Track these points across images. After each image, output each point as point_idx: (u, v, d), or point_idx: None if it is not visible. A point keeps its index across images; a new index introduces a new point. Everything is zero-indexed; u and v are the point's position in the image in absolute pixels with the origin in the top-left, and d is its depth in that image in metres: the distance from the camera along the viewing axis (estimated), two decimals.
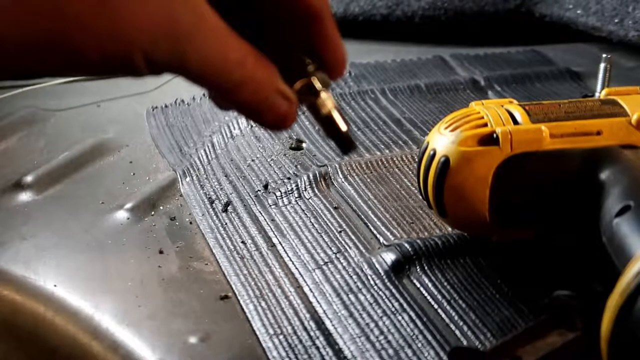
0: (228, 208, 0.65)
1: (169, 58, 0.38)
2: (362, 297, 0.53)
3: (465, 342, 0.49)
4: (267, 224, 0.62)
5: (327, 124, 0.45)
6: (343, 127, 0.45)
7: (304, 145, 0.74)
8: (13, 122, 0.80)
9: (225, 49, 0.40)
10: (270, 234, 0.61)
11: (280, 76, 0.42)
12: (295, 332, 0.51)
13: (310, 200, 0.65)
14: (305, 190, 0.66)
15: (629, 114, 0.55)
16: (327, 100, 0.44)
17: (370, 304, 0.53)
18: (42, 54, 0.36)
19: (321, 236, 0.60)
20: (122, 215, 0.65)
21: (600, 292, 0.44)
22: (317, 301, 0.54)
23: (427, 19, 1.01)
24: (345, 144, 0.45)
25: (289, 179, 0.68)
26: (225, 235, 0.62)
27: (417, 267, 0.55)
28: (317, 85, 0.43)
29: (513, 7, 1.02)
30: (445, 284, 0.54)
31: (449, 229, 0.59)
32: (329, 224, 0.62)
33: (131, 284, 0.56)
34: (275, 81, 0.42)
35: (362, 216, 0.62)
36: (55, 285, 0.56)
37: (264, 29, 0.43)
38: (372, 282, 0.55)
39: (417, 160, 0.57)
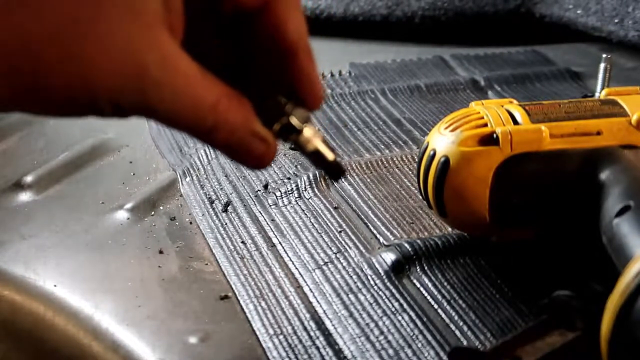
0: (228, 208, 0.65)
1: (136, 104, 0.37)
2: (362, 297, 0.53)
3: (465, 342, 0.49)
4: (267, 224, 0.62)
5: (314, 158, 0.44)
6: (330, 157, 0.44)
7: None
8: (13, 122, 0.80)
9: (196, 93, 0.38)
10: (270, 234, 0.61)
11: (256, 118, 0.41)
12: (295, 332, 0.51)
13: (310, 200, 0.65)
14: (305, 190, 0.66)
15: (629, 114, 0.55)
16: (310, 135, 0.44)
17: (370, 304, 0.53)
18: (9, 91, 0.35)
19: (321, 236, 0.60)
20: (122, 215, 0.65)
21: (600, 292, 0.44)
22: (317, 301, 0.54)
23: (427, 19, 1.01)
24: (335, 172, 0.45)
25: (289, 179, 0.68)
26: (225, 235, 0.62)
27: (417, 267, 0.55)
28: (296, 123, 0.43)
29: (513, 7, 1.02)
30: (445, 284, 0.54)
31: (449, 229, 0.59)
32: (329, 224, 0.62)
33: (131, 284, 0.56)
34: (251, 123, 0.41)
35: (362, 216, 0.62)
36: (55, 285, 0.56)
37: (241, 68, 0.42)
38: (372, 282, 0.55)
39: (417, 160, 0.57)
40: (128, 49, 0.36)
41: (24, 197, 0.68)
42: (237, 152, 0.41)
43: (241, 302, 0.54)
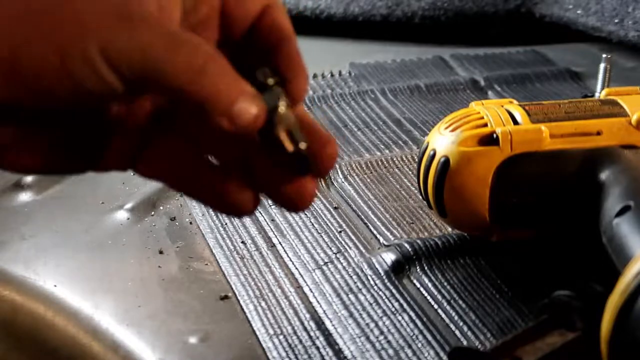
0: None
1: (129, 51, 0.36)
2: (362, 297, 0.53)
3: (465, 342, 0.49)
4: (267, 224, 0.62)
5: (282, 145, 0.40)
6: (302, 145, 0.40)
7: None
8: None
9: (193, 40, 0.37)
10: (270, 234, 0.61)
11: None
12: (295, 332, 0.51)
13: None
14: None
15: (629, 114, 0.55)
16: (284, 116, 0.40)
17: (370, 304, 0.53)
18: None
19: (321, 236, 0.60)
20: (122, 215, 0.65)
21: (600, 292, 0.44)
22: (317, 301, 0.54)
23: (427, 19, 1.01)
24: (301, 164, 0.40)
25: None
26: (225, 235, 0.62)
27: (417, 267, 0.55)
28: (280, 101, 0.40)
29: (513, 7, 1.02)
30: (445, 284, 0.54)
31: (449, 229, 0.59)
32: (329, 224, 0.62)
33: (131, 284, 0.56)
34: (239, 82, 0.38)
35: (362, 216, 0.62)
36: (55, 285, 0.56)
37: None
38: (372, 282, 0.55)
39: (417, 160, 0.57)
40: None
41: (24, 197, 0.68)
42: (231, 112, 0.38)
43: (241, 302, 0.54)
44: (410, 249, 0.56)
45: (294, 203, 0.41)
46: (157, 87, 0.37)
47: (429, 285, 0.54)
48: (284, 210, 0.41)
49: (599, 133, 0.54)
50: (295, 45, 0.43)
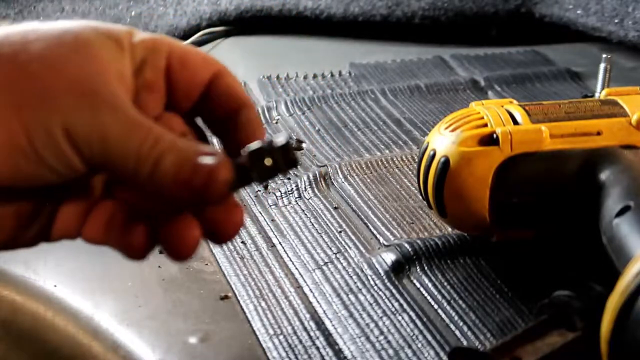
0: None
1: (90, 133, 0.36)
2: (362, 298, 0.53)
3: (465, 342, 0.49)
4: (267, 224, 0.62)
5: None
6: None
7: (304, 145, 0.74)
8: None
9: (144, 124, 0.38)
10: (270, 234, 0.61)
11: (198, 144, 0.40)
12: (295, 333, 0.51)
13: (310, 200, 0.65)
14: (305, 190, 0.66)
15: (629, 114, 0.55)
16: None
17: (370, 304, 0.53)
18: None
19: (321, 236, 0.60)
20: None
21: (600, 292, 0.44)
22: (317, 301, 0.54)
23: (427, 19, 1.01)
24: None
25: (289, 179, 0.68)
26: None
27: (417, 268, 0.55)
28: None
29: (513, 7, 1.02)
30: (445, 284, 0.54)
31: (449, 229, 0.59)
32: (329, 224, 0.62)
33: (131, 284, 0.56)
34: (197, 146, 0.39)
35: (362, 216, 0.62)
36: (55, 286, 0.56)
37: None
38: (372, 283, 0.55)
39: (417, 160, 0.57)
40: (80, 73, 0.37)
41: None
42: (186, 178, 0.38)
43: (241, 302, 0.54)
44: (410, 249, 0.56)
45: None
46: (116, 171, 0.38)
47: (429, 285, 0.54)
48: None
49: (599, 133, 0.54)
50: (254, 113, 0.44)
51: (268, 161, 0.41)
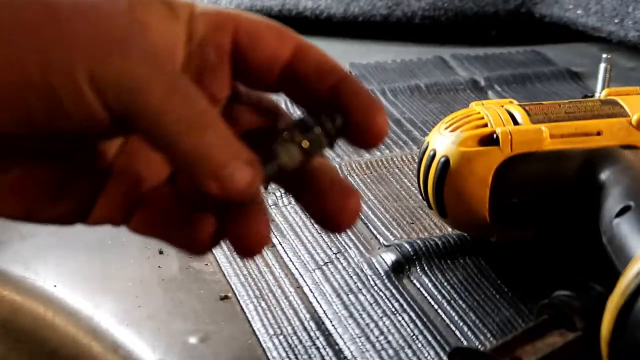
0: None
1: (120, 81, 0.32)
2: (362, 298, 0.53)
3: (465, 342, 0.49)
4: None
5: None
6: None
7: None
8: None
9: (189, 87, 0.34)
10: (270, 234, 0.61)
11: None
12: (295, 333, 0.51)
13: None
14: None
15: (629, 114, 0.55)
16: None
17: (370, 304, 0.53)
18: None
19: (321, 236, 0.60)
20: None
21: (600, 292, 0.44)
22: (317, 301, 0.54)
23: (427, 19, 1.01)
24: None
25: None
26: None
27: (417, 268, 0.55)
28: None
29: (513, 7, 1.02)
30: (445, 284, 0.54)
31: (449, 229, 0.59)
32: None
33: (131, 284, 0.56)
34: (238, 146, 0.35)
35: (362, 216, 0.62)
36: (55, 286, 0.56)
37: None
38: (372, 283, 0.55)
39: (417, 160, 0.57)
40: (117, 24, 0.33)
41: None
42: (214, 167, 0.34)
43: (241, 302, 0.54)
44: (410, 249, 0.56)
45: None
46: (142, 129, 0.33)
47: (429, 285, 0.54)
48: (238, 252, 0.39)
49: (599, 133, 0.54)
50: (355, 83, 0.38)
51: (317, 130, 0.36)
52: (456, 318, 0.51)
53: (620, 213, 0.48)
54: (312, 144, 0.36)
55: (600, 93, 0.60)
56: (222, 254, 0.59)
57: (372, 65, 0.91)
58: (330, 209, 0.38)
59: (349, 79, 0.38)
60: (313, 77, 0.38)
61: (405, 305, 0.52)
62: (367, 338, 0.50)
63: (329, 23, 1.02)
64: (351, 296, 0.54)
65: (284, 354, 0.49)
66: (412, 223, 0.61)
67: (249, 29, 0.37)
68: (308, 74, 0.38)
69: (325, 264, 0.57)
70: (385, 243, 0.58)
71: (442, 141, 0.54)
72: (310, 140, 0.36)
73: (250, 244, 0.38)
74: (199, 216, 0.37)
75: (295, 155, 0.36)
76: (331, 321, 0.52)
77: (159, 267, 0.58)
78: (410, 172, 0.68)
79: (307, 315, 0.52)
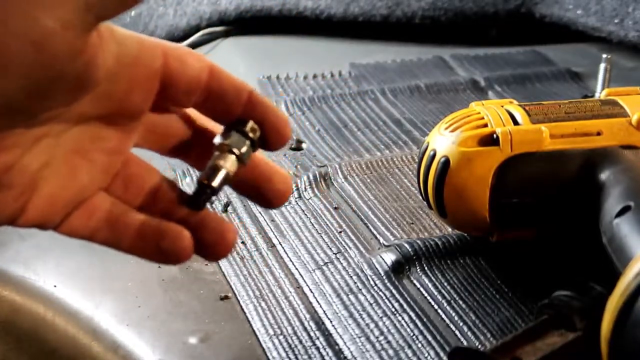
0: (228, 208, 0.65)
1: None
2: (362, 298, 0.53)
3: (465, 343, 0.49)
4: (267, 224, 0.62)
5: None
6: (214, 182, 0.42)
7: (304, 145, 0.74)
8: None
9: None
10: (270, 234, 0.61)
11: None
12: (295, 333, 0.51)
13: (310, 200, 0.65)
14: (305, 190, 0.66)
15: (629, 115, 0.55)
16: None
17: (370, 305, 0.53)
18: None
19: (321, 237, 0.60)
20: None
21: (600, 292, 0.44)
22: (317, 302, 0.54)
23: (427, 19, 1.01)
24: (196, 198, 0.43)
25: None
26: None
27: (417, 268, 0.55)
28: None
29: (513, 7, 1.02)
30: (445, 284, 0.54)
31: (449, 229, 0.59)
32: (329, 224, 0.62)
33: (131, 284, 0.56)
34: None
35: (362, 216, 0.62)
36: (55, 286, 0.56)
37: None
38: (372, 283, 0.55)
39: (417, 160, 0.57)
40: None
41: None
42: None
43: (241, 302, 0.54)
44: (410, 249, 0.56)
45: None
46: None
47: (429, 285, 0.54)
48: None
49: (599, 133, 0.54)
50: (265, 98, 0.43)
51: (247, 141, 0.42)
52: (456, 318, 0.51)
53: (620, 213, 0.48)
54: (246, 153, 0.42)
55: (600, 93, 0.60)
56: None
57: (372, 65, 0.91)
58: (211, 239, 0.43)
59: (257, 96, 0.43)
60: (230, 94, 0.42)
61: (405, 306, 0.52)
62: (367, 338, 0.50)
63: (329, 23, 1.02)
64: (351, 296, 0.54)
65: (284, 354, 0.49)
66: (412, 223, 0.61)
67: (176, 54, 0.41)
68: (225, 91, 0.42)
69: (325, 264, 0.57)
70: (385, 243, 0.58)
71: (442, 141, 0.54)
72: (243, 150, 0.41)
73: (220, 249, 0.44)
74: (172, 227, 0.42)
75: (235, 164, 0.41)
76: (331, 321, 0.52)
77: (159, 267, 0.58)
78: (410, 172, 0.68)
79: (307, 315, 0.52)
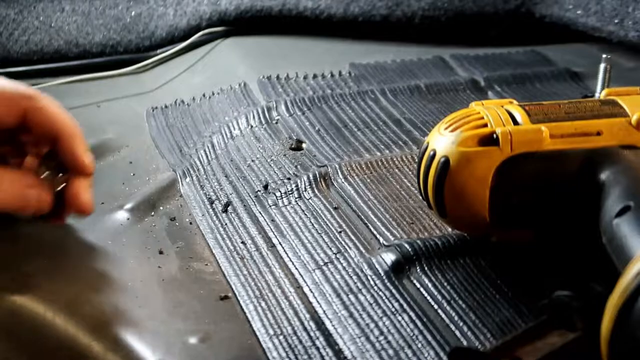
0: (228, 208, 0.65)
1: None
2: (362, 298, 0.53)
3: (465, 343, 0.49)
4: (267, 224, 0.62)
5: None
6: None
7: (304, 145, 0.74)
8: None
9: None
10: (270, 234, 0.61)
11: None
12: (295, 333, 0.51)
13: (310, 200, 0.65)
14: (305, 190, 0.66)
15: (628, 115, 0.55)
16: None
17: (370, 305, 0.53)
18: None
19: (321, 236, 0.60)
20: (122, 215, 0.65)
21: (600, 292, 0.44)
22: (317, 301, 0.54)
23: (427, 19, 1.01)
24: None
25: (288, 179, 0.68)
26: (225, 235, 0.62)
27: (417, 268, 0.55)
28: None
29: (513, 7, 1.02)
30: (445, 284, 0.54)
31: (449, 229, 0.59)
32: (329, 224, 0.62)
33: (131, 284, 0.56)
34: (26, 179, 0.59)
35: (362, 216, 0.62)
36: (55, 286, 0.56)
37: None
38: (372, 283, 0.55)
39: (417, 160, 0.57)
40: None
41: None
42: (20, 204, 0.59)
43: (241, 302, 0.54)
44: (410, 249, 0.56)
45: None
46: None
47: (429, 285, 0.54)
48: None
49: (599, 133, 0.54)
50: (72, 142, 0.60)
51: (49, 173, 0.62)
52: (456, 318, 0.51)
53: (620, 213, 0.48)
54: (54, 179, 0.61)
55: (600, 93, 0.60)
56: (222, 254, 0.59)
57: (372, 65, 0.92)
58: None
59: (65, 140, 0.60)
60: (37, 128, 0.59)
61: (405, 306, 0.52)
62: (367, 338, 0.50)
63: (329, 23, 1.02)
64: (351, 296, 0.54)
65: (284, 354, 0.49)
66: (412, 223, 0.61)
67: None
68: (34, 125, 0.59)
69: (325, 264, 0.57)
70: (385, 243, 0.58)
71: (442, 141, 0.54)
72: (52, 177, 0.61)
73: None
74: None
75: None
76: (331, 321, 0.52)
77: (159, 267, 0.58)
78: (410, 172, 0.68)
79: (307, 315, 0.52)
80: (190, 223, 0.64)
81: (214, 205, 0.66)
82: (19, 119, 0.58)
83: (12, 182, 0.58)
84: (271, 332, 0.51)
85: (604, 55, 0.74)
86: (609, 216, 0.48)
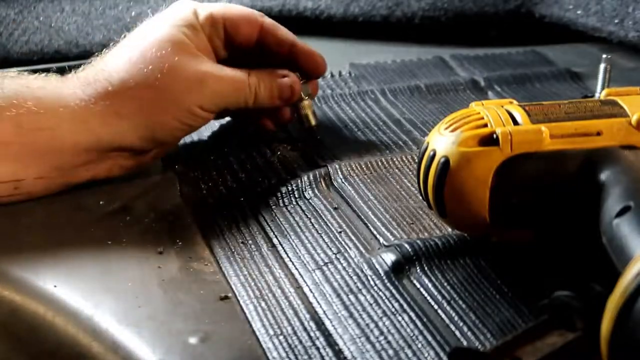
0: (228, 208, 0.65)
1: (212, 99, 0.67)
2: (362, 298, 0.53)
3: (465, 343, 0.49)
4: (267, 224, 0.62)
5: (302, 120, 0.74)
6: (312, 123, 0.74)
7: (303, 145, 0.74)
8: None
9: (242, 79, 0.68)
10: (271, 234, 0.61)
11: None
12: (295, 333, 0.51)
13: (310, 200, 0.65)
14: (306, 190, 0.66)
15: (629, 115, 0.55)
16: (306, 104, 0.74)
17: (370, 305, 0.53)
18: None
19: (321, 237, 0.60)
20: (122, 215, 0.65)
21: (600, 293, 0.44)
22: (317, 302, 0.54)
23: (427, 19, 1.01)
24: (311, 135, 0.74)
25: (289, 179, 0.68)
26: (225, 235, 0.62)
27: (417, 268, 0.55)
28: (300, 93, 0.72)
29: (513, 7, 1.02)
30: (445, 284, 0.54)
31: (449, 229, 0.59)
32: (329, 224, 0.62)
33: (131, 284, 0.56)
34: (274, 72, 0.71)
35: (362, 217, 0.62)
36: (55, 286, 0.56)
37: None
38: (372, 283, 0.55)
39: (417, 160, 0.57)
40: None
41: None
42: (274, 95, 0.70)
43: (241, 302, 0.54)
44: (410, 250, 0.56)
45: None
46: (233, 113, 0.74)
47: (429, 285, 0.54)
48: None
49: (599, 133, 0.54)
50: (301, 45, 0.72)
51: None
52: (456, 318, 0.51)
53: (620, 213, 0.48)
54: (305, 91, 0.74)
55: (600, 93, 0.60)
56: (223, 254, 0.59)
57: (372, 65, 0.91)
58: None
59: (298, 44, 0.72)
60: (274, 45, 0.71)
61: (405, 306, 0.52)
62: (367, 338, 0.50)
63: (329, 23, 1.02)
64: (351, 296, 0.54)
65: (284, 354, 0.49)
66: (412, 223, 0.61)
67: (232, 21, 0.69)
68: (271, 43, 0.71)
69: (325, 264, 0.57)
70: (385, 243, 0.58)
71: (442, 141, 0.54)
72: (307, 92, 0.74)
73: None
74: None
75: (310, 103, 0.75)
76: (331, 321, 0.52)
77: (159, 267, 0.58)
78: (410, 173, 0.68)
79: (307, 316, 0.52)
80: (191, 223, 0.64)
81: (214, 205, 0.66)
82: (259, 35, 0.70)
83: (269, 74, 0.69)
84: (271, 332, 0.51)
85: (604, 56, 0.74)
86: (609, 216, 0.48)
